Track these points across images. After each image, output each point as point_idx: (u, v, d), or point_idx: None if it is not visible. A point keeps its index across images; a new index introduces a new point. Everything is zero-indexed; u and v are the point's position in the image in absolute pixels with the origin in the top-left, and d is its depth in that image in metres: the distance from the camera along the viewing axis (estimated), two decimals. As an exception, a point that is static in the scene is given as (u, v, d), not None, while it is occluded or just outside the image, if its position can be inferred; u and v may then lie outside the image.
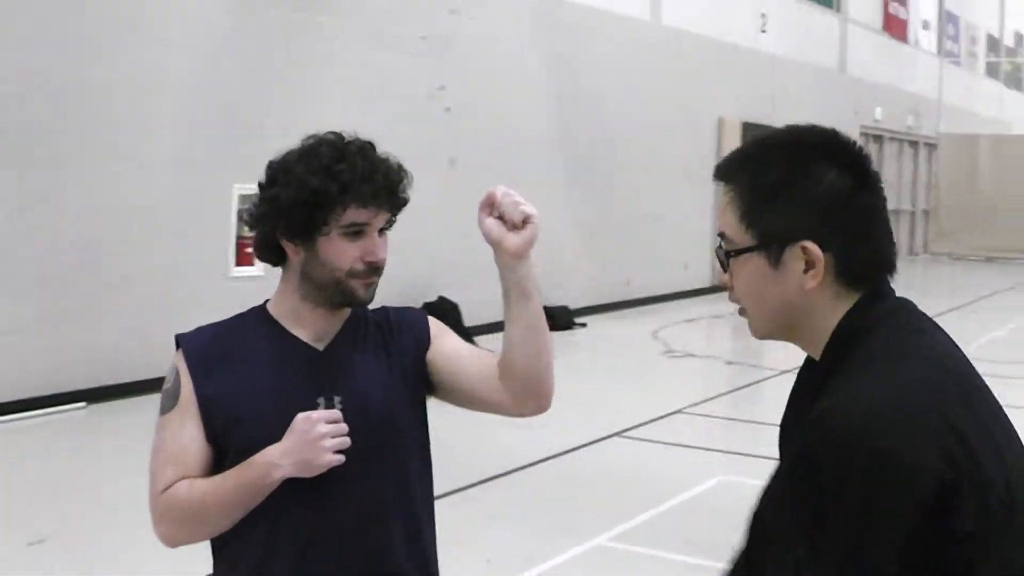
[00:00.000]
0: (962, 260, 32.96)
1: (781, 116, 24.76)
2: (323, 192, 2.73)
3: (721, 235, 2.22)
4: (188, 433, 2.80)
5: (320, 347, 2.88)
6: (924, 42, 35.45)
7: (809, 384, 2.23)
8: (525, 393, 2.87)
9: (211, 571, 2.96)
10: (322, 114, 13.45)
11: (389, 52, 14.42)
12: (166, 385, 2.86)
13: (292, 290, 2.87)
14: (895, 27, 32.72)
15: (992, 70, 43.20)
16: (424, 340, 2.98)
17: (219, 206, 12.43)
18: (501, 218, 2.78)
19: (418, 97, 14.88)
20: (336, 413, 2.72)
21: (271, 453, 2.70)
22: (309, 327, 2.87)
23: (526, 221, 2.76)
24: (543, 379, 2.86)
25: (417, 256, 14.19)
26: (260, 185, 2.86)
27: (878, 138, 30.99)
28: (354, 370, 2.87)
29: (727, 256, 2.20)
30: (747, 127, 23.37)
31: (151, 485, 2.83)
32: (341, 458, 2.70)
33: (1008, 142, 34.96)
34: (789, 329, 2.21)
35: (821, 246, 2.13)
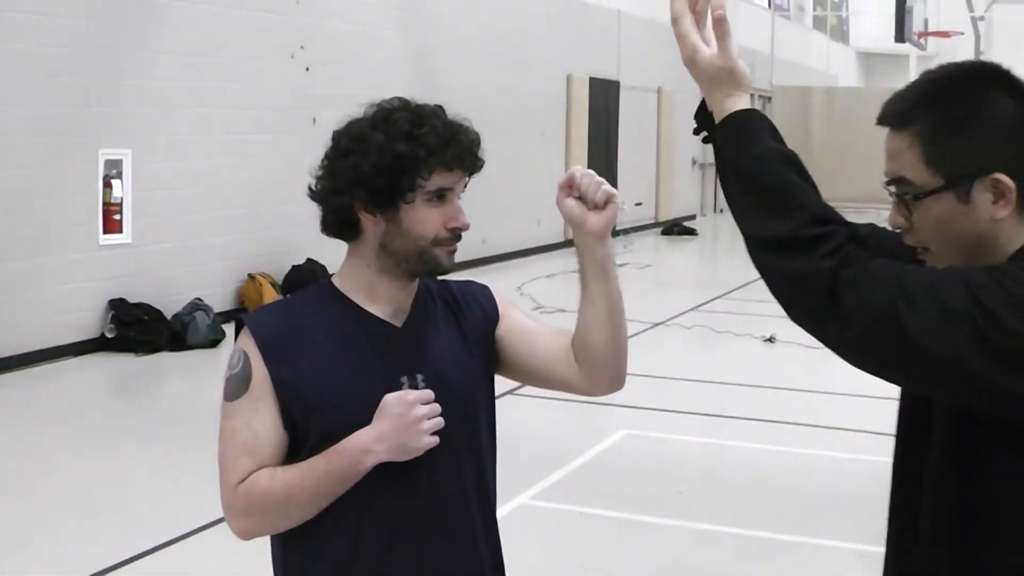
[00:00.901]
0: (798, 210, 33.48)
1: (627, 71, 24.96)
2: (410, 157, 2.59)
3: (899, 180, 2.19)
4: (262, 420, 2.62)
5: (397, 323, 2.74)
6: (756, -3, 35.99)
7: None
8: (602, 372, 2.81)
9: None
10: (182, 75, 13.15)
11: (247, 11, 14.10)
12: (232, 370, 2.66)
13: (366, 264, 2.71)
14: (728, -18, 33.11)
15: (819, 23, 44.09)
16: (493, 316, 2.88)
17: (85, 173, 12.06)
18: (581, 199, 2.71)
19: (278, 57, 14.61)
20: (429, 393, 2.60)
21: (363, 438, 2.56)
22: (385, 303, 2.73)
23: (607, 201, 2.71)
24: (621, 358, 2.81)
25: (283, 218, 13.96)
26: (327, 156, 2.70)
27: (716, 92, 31.37)
28: (432, 346, 2.75)
29: (914, 200, 2.17)
30: (594, 83, 23.49)
31: (223, 477, 2.65)
32: (437, 440, 2.59)
33: (838, 94, 35.71)
34: (973, 261, 2.17)
35: (1009, 174, 2.12)
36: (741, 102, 2.29)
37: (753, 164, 2.21)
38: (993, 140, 2.13)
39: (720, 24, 2.31)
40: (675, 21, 2.35)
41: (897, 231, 2.27)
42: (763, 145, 2.22)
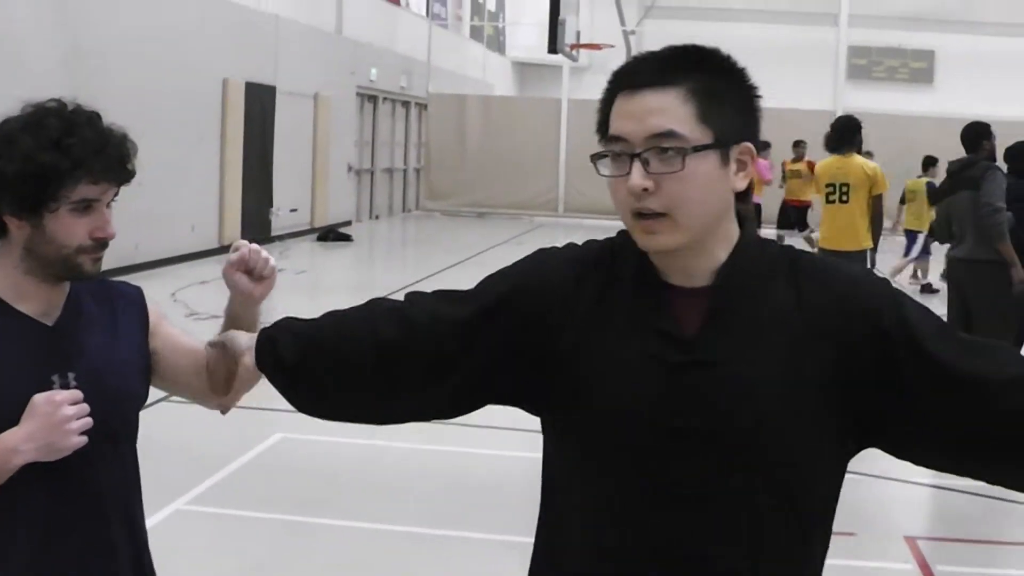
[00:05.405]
0: (455, 216, 33.72)
1: (283, 77, 24.84)
2: (53, 168, 2.58)
3: (667, 134, 2.18)
4: None
5: (48, 322, 2.74)
6: (414, 5, 36.29)
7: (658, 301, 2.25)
8: (227, 400, 2.97)
9: None
10: None
11: None
12: None
13: (13, 265, 2.70)
14: (387, -11, 33.36)
15: (476, 33, 44.83)
16: (145, 323, 2.93)
17: None
18: (248, 272, 2.77)
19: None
20: (78, 393, 2.61)
21: (11, 438, 2.56)
22: (34, 302, 2.72)
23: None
24: (241, 393, 2.95)
25: None
26: None
27: (373, 98, 31.48)
28: (85, 346, 2.76)
29: (692, 151, 2.17)
30: (250, 87, 23.30)
31: None
32: (85, 439, 2.60)
33: (493, 102, 36.44)
34: (709, 234, 2.24)
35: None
36: None
37: None
38: (750, 110, 2.26)
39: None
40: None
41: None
42: None
